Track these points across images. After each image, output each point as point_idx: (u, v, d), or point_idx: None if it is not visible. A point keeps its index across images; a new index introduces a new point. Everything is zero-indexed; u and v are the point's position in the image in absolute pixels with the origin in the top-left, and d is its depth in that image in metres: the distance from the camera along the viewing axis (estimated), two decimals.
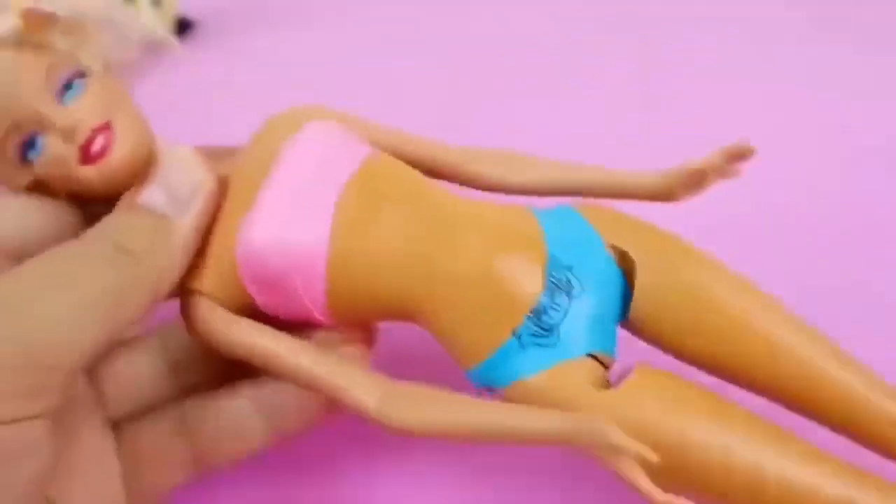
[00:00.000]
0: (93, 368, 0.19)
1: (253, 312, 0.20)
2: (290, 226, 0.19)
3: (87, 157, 0.19)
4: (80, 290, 0.15)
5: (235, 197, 0.20)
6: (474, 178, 0.22)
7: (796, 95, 0.41)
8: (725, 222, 0.32)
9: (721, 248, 0.30)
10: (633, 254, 0.19)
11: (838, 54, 0.44)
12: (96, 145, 0.19)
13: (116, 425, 0.19)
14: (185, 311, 0.20)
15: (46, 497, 0.16)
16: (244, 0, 0.56)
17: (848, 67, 0.43)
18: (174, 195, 0.18)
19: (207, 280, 0.20)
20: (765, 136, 0.38)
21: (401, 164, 0.21)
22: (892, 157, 0.35)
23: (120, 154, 0.19)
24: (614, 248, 0.20)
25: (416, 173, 0.21)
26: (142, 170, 0.20)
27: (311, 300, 0.19)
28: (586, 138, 0.38)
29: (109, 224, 0.18)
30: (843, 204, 0.33)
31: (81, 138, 0.19)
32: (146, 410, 0.20)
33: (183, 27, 0.51)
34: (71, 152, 0.19)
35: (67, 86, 0.19)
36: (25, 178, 0.19)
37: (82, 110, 0.19)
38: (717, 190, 0.34)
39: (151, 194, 0.18)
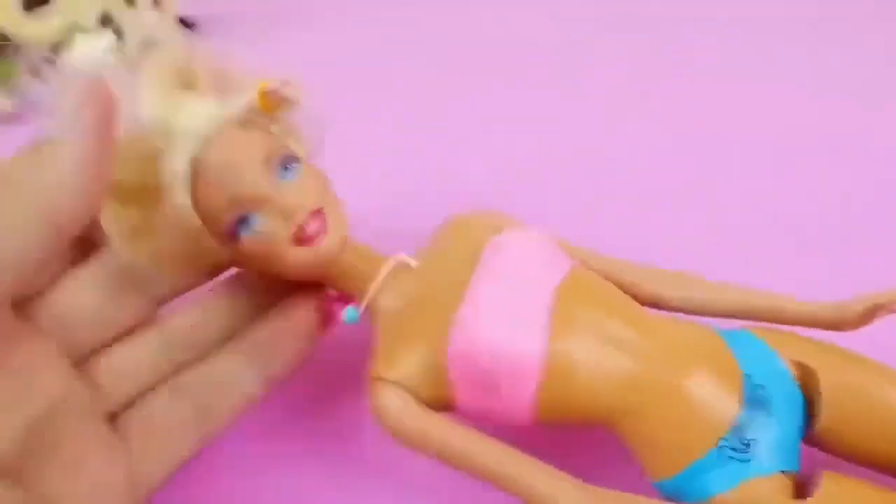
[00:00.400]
0: (83, 364, 0.19)
1: (443, 410, 0.20)
2: (511, 328, 0.19)
3: (302, 237, 0.19)
4: None
5: (435, 290, 0.21)
6: (654, 298, 0.23)
7: (796, 95, 0.41)
8: (726, 223, 0.32)
9: (721, 249, 0.30)
10: (815, 368, 0.20)
11: (839, 54, 0.44)
12: (312, 227, 0.19)
13: (115, 414, 0.19)
14: (376, 400, 0.20)
15: (43, 495, 0.16)
16: (244, 0, 0.56)
17: (849, 67, 0.43)
18: (61, 114, 0.16)
19: (403, 371, 0.20)
20: (764, 136, 0.38)
21: (600, 277, 0.22)
22: (892, 156, 0.35)
23: (331, 242, 0.20)
24: (794, 365, 0.20)
25: (615, 287, 0.21)
26: (336, 261, 0.20)
27: (519, 401, 0.19)
28: (586, 138, 0.38)
29: None
30: (846, 203, 0.33)
31: (300, 218, 0.19)
32: (144, 392, 0.20)
33: (183, 27, 0.51)
34: (286, 232, 0.19)
35: (285, 168, 0.20)
36: (223, 253, 0.20)
37: (299, 193, 0.19)
38: (717, 190, 0.34)
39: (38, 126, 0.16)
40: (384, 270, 0.21)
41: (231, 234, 0.19)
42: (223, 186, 0.19)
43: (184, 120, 0.19)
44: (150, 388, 0.20)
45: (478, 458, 0.19)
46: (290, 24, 0.52)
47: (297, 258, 0.20)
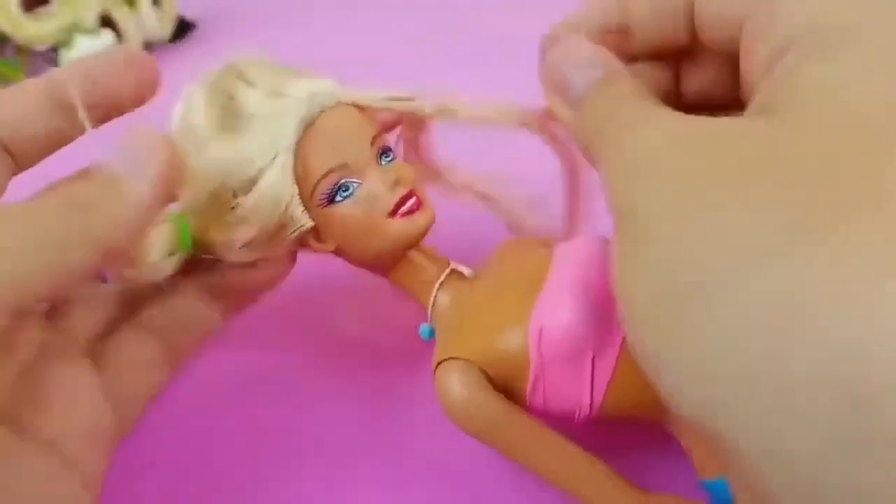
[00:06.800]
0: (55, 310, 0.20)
1: (510, 396, 0.20)
2: (590, 312, 0.19)
3: (399, 209, 0.20)
4: (26, 229, 0.16)
5: (506, 285, 0.21)
6: None
7: None
8: None
9: None
10: None
11: None
12: (410, 203, 0.21)
13: (89, 348, 0.20)
14: (445, 379, 0.20)
15: (44, 441, 0.17)
16: (244, 0, 0.56)
17: None
18: (131, 158, 0.18)
19: (476, 351, 0.20)
20: None
21: None
22: None
23: (422, 220, 0.21)
24: None
25: None
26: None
27: (595, 386, 0.19)
28: None
29: (62, 184, 0.18)
30: None
31: (401, 191, 0.20)
32: (110, 324, 0.21)
33: (183, 27, 0.51)
34: (386, 202, 0.20)
35: (385, 153, 0.21)
36: (310, 220, 0.21)
37: (401, 171, 0.21)
38: None
39: (108, 158, 0.18)
40: (447, 271, 0.22)
41: (328, 197, 0.20)
42: (333, 149, 0.20)
43: (300, 88, 0.20)
44: (117, 322, 0.21)
45: (543, 454, 0.19)
46: (290, 23, 0.52)
47: (391, 230, 0.20)
